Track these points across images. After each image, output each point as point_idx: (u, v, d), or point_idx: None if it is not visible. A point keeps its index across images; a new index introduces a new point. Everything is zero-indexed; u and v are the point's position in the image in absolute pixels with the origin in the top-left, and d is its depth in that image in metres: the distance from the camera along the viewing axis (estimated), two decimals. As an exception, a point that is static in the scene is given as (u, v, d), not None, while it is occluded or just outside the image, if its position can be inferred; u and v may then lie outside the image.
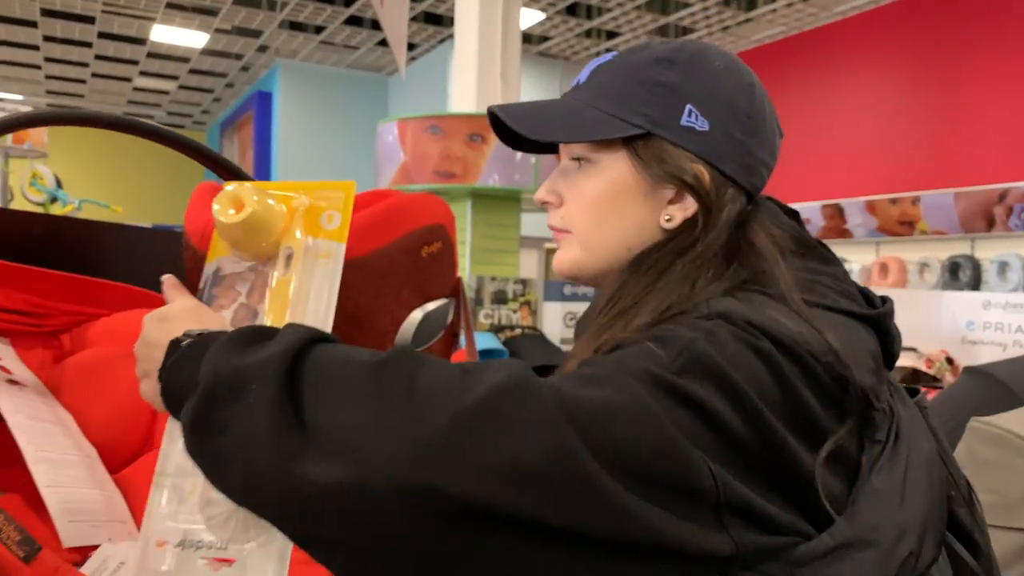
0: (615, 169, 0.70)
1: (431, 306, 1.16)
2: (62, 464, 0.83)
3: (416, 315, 1.13)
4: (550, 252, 8.21)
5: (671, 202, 0.70)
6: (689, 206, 0.70)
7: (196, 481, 0.61)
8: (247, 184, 0.71)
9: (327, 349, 0.55)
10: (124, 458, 0.90)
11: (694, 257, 0.67)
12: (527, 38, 7.38)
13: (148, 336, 0.66)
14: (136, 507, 0.85)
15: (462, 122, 4.08)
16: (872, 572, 0.57)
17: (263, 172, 8.97)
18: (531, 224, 6.21)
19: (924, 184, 5.45)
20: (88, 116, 0.75)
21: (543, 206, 0.77)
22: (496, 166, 4.08)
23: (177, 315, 0.66)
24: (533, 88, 7.64)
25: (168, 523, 0.61)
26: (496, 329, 4.17)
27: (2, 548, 0.54)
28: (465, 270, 4.30)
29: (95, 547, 0.75)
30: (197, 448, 0.55)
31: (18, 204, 4.64)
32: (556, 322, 4.18)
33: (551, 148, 0.79)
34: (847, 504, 0.59)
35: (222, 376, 0.54)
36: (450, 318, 1.21)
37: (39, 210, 4.59)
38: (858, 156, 6.13)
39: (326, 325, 0.67)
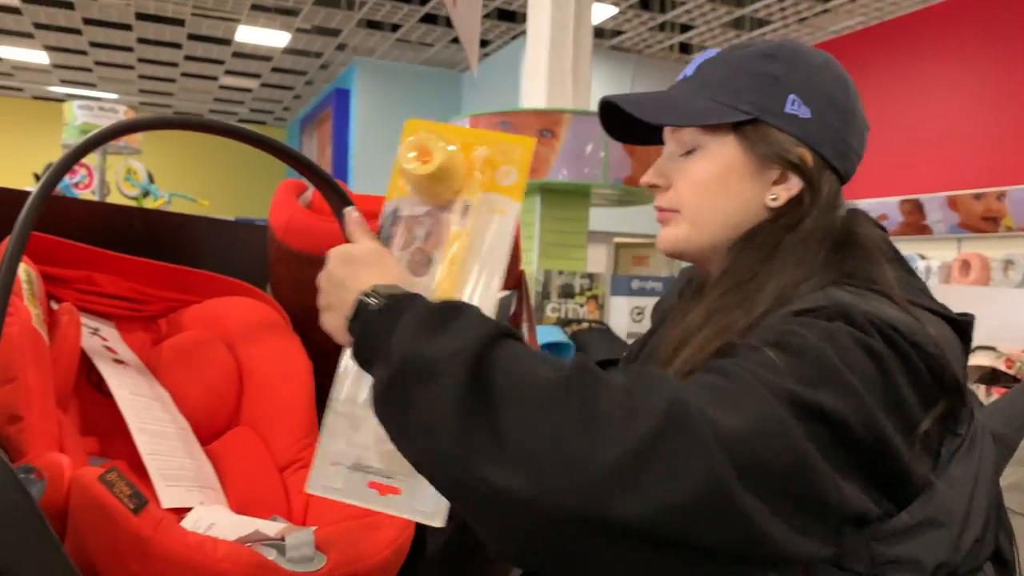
0: (724, 152, 0.76)
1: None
2: (160, 435, 0.92)
3: (481, 306, 1.19)
4: (620, 247, 8.18)
5: (775, 183, 0.76)
6: (793, 186, 0.75)
7: (369, 413, 0.64)
8: (431, 131, 0.71)
9: (511, 350, 0.58)
10: (213, 432, 0.99)
11: (804, 235, 0.73)
12: (600, 32, 7.36)
13: (333, 274, 0.70)
14: (224, 476, 0.93)
15: (532, 117, 4.13)
16: (943, 551, 0.61)
17: (341, 167, 9.21)
18: (600, 219, 6.21)
19: (1010, 179, 5.21)
20: (185, 121, 0.83)
21: (650, 189, 0.82)
22: (565, 161, 4.12)
23: (363, 259, 0.69)
24: (605, 83, 7.62)
25: (343, 446, 0.66)
26: (563, 323, 4.20)
27: (115, 500, 0.62)
28: (533, 264, 4.35)
29: (189, 509, 0.83)
30: (386, 415, 0.60)
31: (114, 197, 4.91)
32: (623, 316, 4.19)
33: (654, 140, 0.84)
34: (924, 487, 0.64)
35: (411, 361, 0.58)
36: (513, 309, 1.26)
37: (133, 203, 4.85)
38: (939, 150, 5.91)
39: (496, 280, 0.69)
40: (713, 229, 0.78)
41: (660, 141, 0.84)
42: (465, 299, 0.67)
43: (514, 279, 1.26)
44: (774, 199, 0.76)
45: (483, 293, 0.67)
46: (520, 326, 1.29)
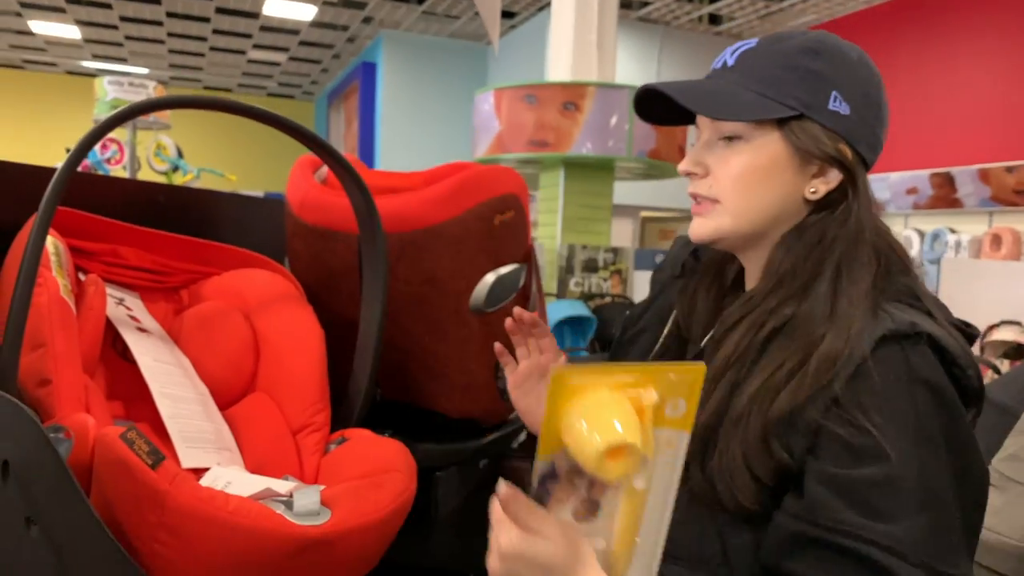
0: (768, 146, 0.78)
1: (504, 270, 1.25)
2: (181, 400, 0.97)
3: (489, 278, 1.23)
4: (646, 220, 8.15)
5: (814, 176, 0.78)
6: (832, 179, 0.78)
7: None
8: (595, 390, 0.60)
9: None
10: (231, 397, 1.04)
11: (854, 233, 0.77)
12: (626, 4, 7.27)
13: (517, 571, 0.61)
14: (241, 439, 0.98)
15: (556, 91, 4.12)
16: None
17: (367, 141, 9.25)
18: (626, 193, 6.19)
19: (1045, 152, 5.11)
20: (194, 100, 0.87)
21: (687, 176, 0.83)
22: (589, 135, 4.11)
23: (560, 567, 0.60)
24: (632, 55, 7.54)
25: None
26: (586, 297, 4.23)
27: (135, 456, 0.67)
28: (557, 238, 4.36)
29: (206, 469, 0.89)
30: None
31: (144, 172, 5.01)
32: (647, 290, 4.20)
33: (683, 122, 0.86)
34: None
35: None
36: (522, 282, 1.30)
37: (162, 178, 4.94)
38: (971, 122, 5.79)
39: (667, 514, 0.64)
40: (753, 220, 0.79)
41: (687, 122, 0.86)
42: (649, 537, 0.63)
43: (523, 254, 1.29)
44: (813, 192, 0.79)
45: (658, 527, 0.64)
46: (529, 299, 1.33)
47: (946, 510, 0.66)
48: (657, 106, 0.84)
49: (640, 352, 0.96)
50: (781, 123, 0.77)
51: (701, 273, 0.93)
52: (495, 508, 0.60)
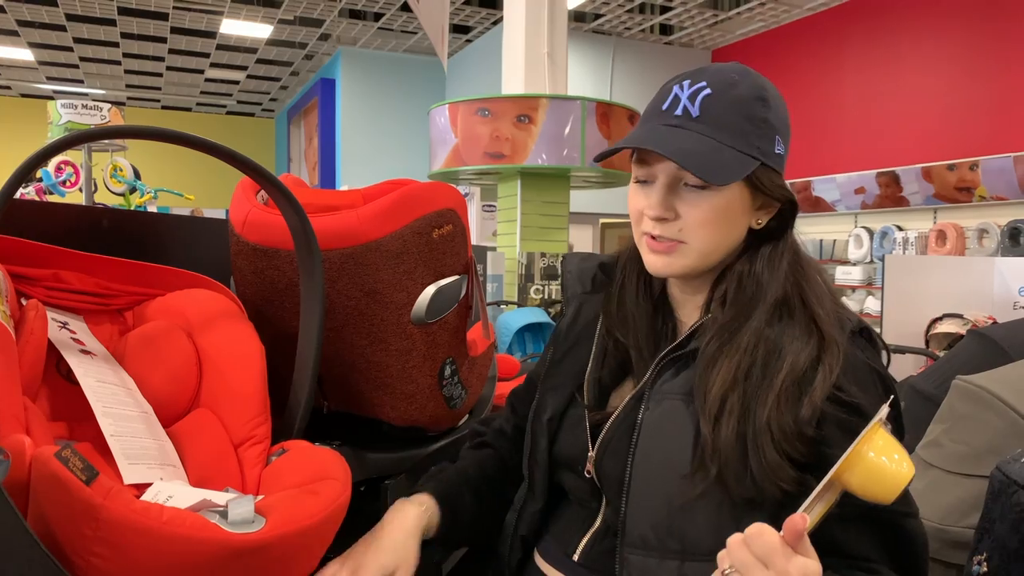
0: (733, 192, 0.86)
1: (444, 282, 1.29)
2: (124, 418, 0.99)
3: (429, 290, 1.26)
4: (605, 227, 8.25)
5: (758, 208, 0.89)
6: (772, 210, 0.90)
7: None
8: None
9: None
10: (175, 414, 1.06)
11: (798, 251, 0.91)
12: (579, 16, 7.39)
13: None
14: (184, 455, 1.01)
15: (510, 104, 4.18)
16: None
17: (329, 156, 9.25)
18: (585, 200, 6.27)
19: (983, 150, 5.28)
20: (133, 130, 0.90)
21: (656, 221, 0.89)
22: (544, 146, 4.18)
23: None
24: (585, 66, 7.65)
25: None
26: (546, 304, 4.29)
27: (69, 473, 0.70)
28: (516, 247, 4.42)
29: (149, 484, 0.91)
30: None
31: (101, 194, 4.96)
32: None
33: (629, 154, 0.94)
34: None
35: None
36: (463, 292, 1.34)
37: (120, 199, 4.91)
38: (914, 123, 5.97)
39: None
40: (715, 256, 0.89)
41: (630, 154, 0.93)
42: None
43: (462, 266, 1.33)
44: (759, 223, 0.90)
45: None
46: (471, 308, 1.37)
47: None
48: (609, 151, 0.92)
49: (576, 366, 1.00)
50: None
51: (624, 284, 0.99)
52: (770, 538, 0.66)
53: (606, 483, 0.90)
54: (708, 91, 0.86)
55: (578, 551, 0.93)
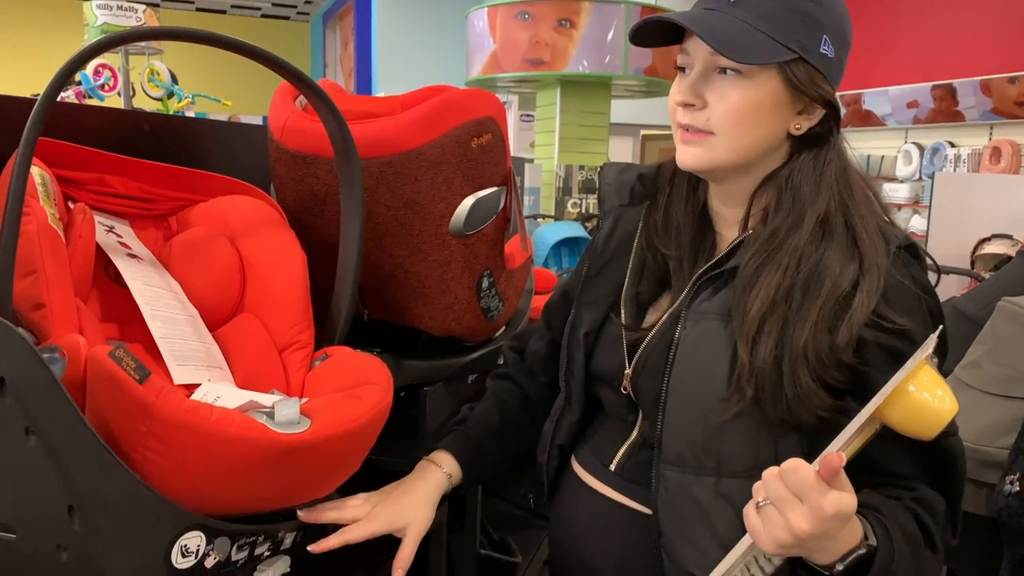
0: (767, 84, 0.82)
1: (482, 193, 1.28)
2: (171, 321, 1.02)
3: (468, 201, 1.26)
4: (646, 139, 8.07)
5: (799, 113, 0.85)
6: (815, 116, 0.85)
7: None
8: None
9: None
10: (220, 319, 1.09)
11: (845, 163, 0.87)
12: (626, -88, 7.03)
13: (829, 529, 0.69)
14: (230, 357, 1.04)
15: (551, 7, 4.05)
16: None
17: (365, 62, 9.10)
18: (625, 110, 6.12)
19: (1048, 62, 5.02)
20: (171, 31, 0.89)
21: (683, 107, 0.87)
22: (585, 52, 4.06)
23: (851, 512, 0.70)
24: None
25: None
26: (584, 218, 4.25)
27: (123, 372, 0.72)
28: (554, 159, 4.36)
29: (198, 385, 0.94)
30: None
31: (139, 98, 4.96)
32: (642, 210, 4.22)
33: (669, 43, 0.90)
34: None
35: None
36: (501, 204, 1.33)
37: (158, 104, 4.91)
38: (973, 34, 5.66)
39: None
40: (745, 152, 0.85)
41: (673, 43, 0.89)
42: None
43: (501, 177, 1.32)
44: (798, 128, 0.85)
45: None
46: (509, 221, 1.36)
47: None
48: (648, 31, 0.87)
49: (613, 280, 1.00)
50: (782, 64, 0.82)
51: (671, 192, 0.97)
52: (806, 473, 0.66)
53: (643, 400, 0.91)
54: None
55: (615, 462, 0.95)
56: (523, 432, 1.12)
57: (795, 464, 0.67)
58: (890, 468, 0.81)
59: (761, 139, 0.85)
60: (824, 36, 0.82)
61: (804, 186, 0.85)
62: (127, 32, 0.85)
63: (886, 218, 0.87)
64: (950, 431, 0.82)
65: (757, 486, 0.70)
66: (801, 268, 0.82)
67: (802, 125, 0.86)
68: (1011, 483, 1.18)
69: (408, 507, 0.97)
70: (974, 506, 1.28)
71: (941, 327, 0.76)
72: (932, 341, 0.71)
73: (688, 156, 0.86)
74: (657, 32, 0.87)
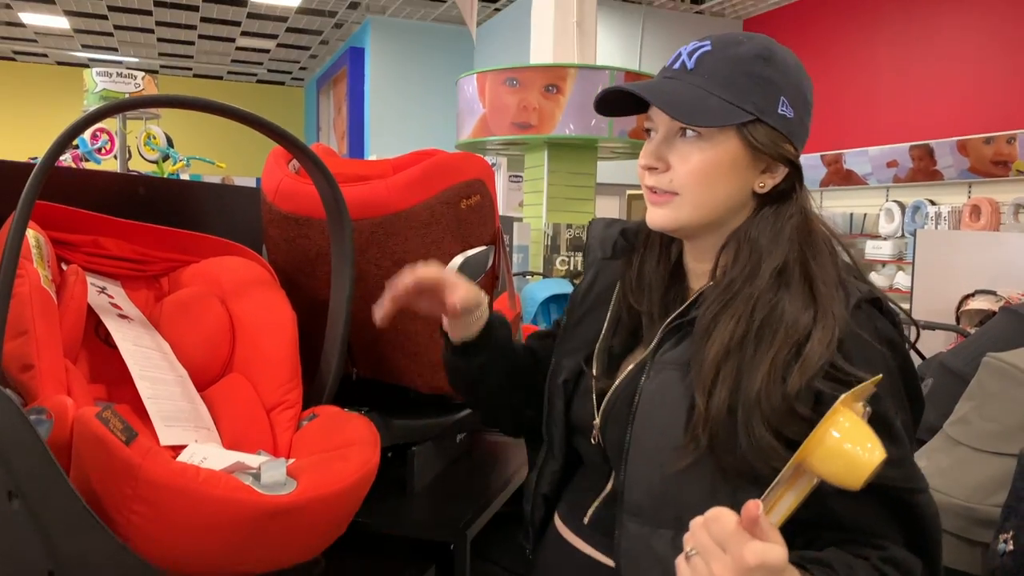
0: (727, 145, 0.85)
1: (471, 252, 1.30)
2: (160, 381, 1.02)
3: (457, 260, 1.27)
4: (632, 198, 8.19)
5: (763, 172, 0.88)
6: (778, 175, 0.88)
7: None
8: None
9: None
10: (209, 378, 1.09)
11: (806, 218, 0.88)
12: (611, -17, 7.28)
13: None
14: (218, 418, 1.04)
15: (538, 74, 4.15)
16: None
17: (358, 125, 9.26)
18: (612, 171, 6.22)
19: (1020, 123, 5.15)
20: (172, 99, 0.91)
21: (647, 170, 0.89)
22: (571, 116, 4.15)
23: (781, 566, 0.66)
24: (614, 35, 7.55)
25: None
26: (572, 275, 4.28)
27: (110, 434, 0.72)
28: (542, 218, 4.41)
29: (185, 446, 0.94)
30: None
31: (135, 161, 5.02)
32: (631, 269, 4.25)
33: (633, 112, 0.93)
34: None
35: None
36: (490, 263, 1.34)
37: (153, 167, 4.97)
38: (949, 94, 5.82)
39: None
40: (709, 211, 0.87)
41: (638, 112, 0.92)
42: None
43: (490, 236, 1.34)
44: (762, 186, 0.88)
45: None
46: (498, 279, 1.38)
47: (910, 446, 0.82)
48: (614, 100, 0.90)
49: (590, 331, 1.01)
50: (740, 126, 0.85)
51: (644, 250, 0.99)
52: (727, 522, 0.64)
53: (611, 450, 0.91)
54: (707, 47, 0.87)
55: (588, 515, 0.94)
56: (527, 377, 1.09)
57: (717, 513, 0.65)
58: (858, 524, 0.79)
59: (724, 197, 0.87)
60: (781, 97, 0.85)
61: (762, 239, 0.87)
62: (130, 100, 0.88)
63: (854, 274, 0.87)
64: (918, 487, 0.81)
65: (687, 536, 0.69)
66: (755, 316, 0.82)
67: (766, 183, 0.88)
68: (1005, 542, 1.17)
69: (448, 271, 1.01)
70: (968, 565, 1.27)
71: (880, 376, 0.73)
72: (866, 388, 0.69)
73: (656, 216, 0.90)
74: (620, 102, 0.90)
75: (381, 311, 0.97)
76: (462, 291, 0.98)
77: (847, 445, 0.64)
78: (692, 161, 0.85)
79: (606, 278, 1.02)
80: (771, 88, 0.85)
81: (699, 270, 0.94)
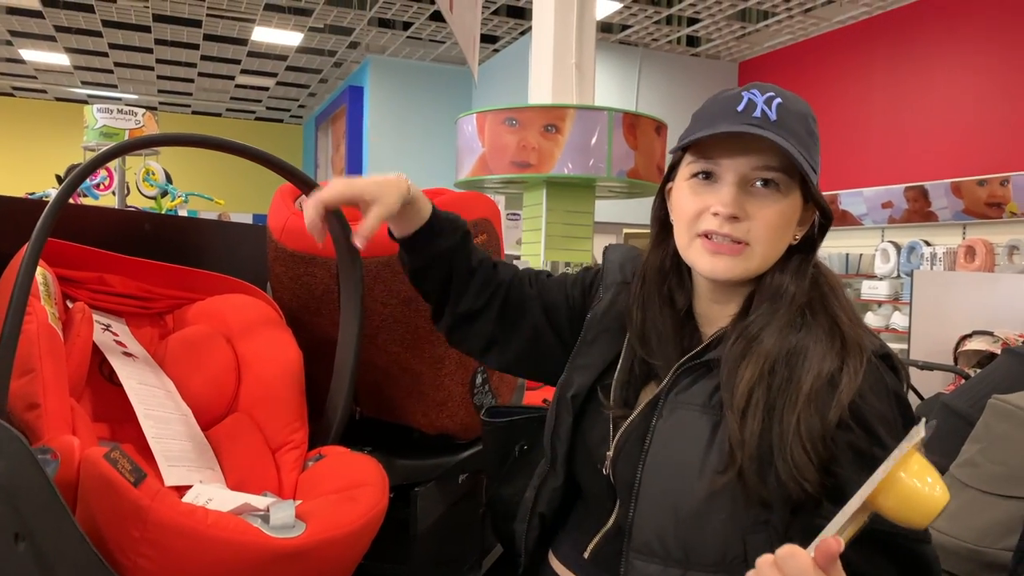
0: (794, 199, 0.88)
1: (477, 291, 1.30)
2: (165, 421, 1.01)
3: (463, 299, 1.27)
4: (629, 236, 8.22)
5: (799, 223, 0.90)
6: (806, 225, 0.91)
7: None
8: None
9: None
10: (214, 418, 1.08)
11: (826, 268, 0.92)
12: (607, 27, 7.39)
13: None
14: (222, 458, 1.02)
15: (537, 113, 4.19)
16: None
17: (356, 163, 9.32)
18: (609, 210, 6.27)
19: (1014, 165, 5.21)
20: (183, 138, 0.92)
21: (727, 219, 0.88)
22: (570, 155, 4.18)
23: None
24: (612, 76, 7.65)
25: None
26: (571, 314, 4.29)
27: (118, 475, 0.71)
28: (540, 256, 4.42)
29: (189, 486, 0.93)
30: None
31: (134, 197, 5.04)
32: (629, 307, 4.25)
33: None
34: None
35: None
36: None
37: (151, 203, 4.98)
38: (943, 137, 5.90)
39: None
40: (770, 262, 0.89)
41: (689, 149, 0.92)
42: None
43: (495, 274, 1.34)
44: (796, 238, 0.90)
45: None
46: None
47: None
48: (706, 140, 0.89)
49: (605, 351, 1.00)
50: (804, 181, 0.87)
51: (643, 302, 0.98)
52: (802, 559, 0.64)
53: (619, 485, 0.91)
54: (780, 100, 0.88)
55: (589, 549, 0.93)
56: (485, 271, 1.04)
57: (791, 550, 0.66)
58: (863, 573, 0.80)
59: (783, 249, 0.89)
60: (817, 156, 0.89)
61: (791, 285, 0.89)
62: (145, 138, 0.88)
63: (861, 321, 0.91)
64: (924, 538, 0.82)
65: (751, 574, 0.69)
66: (783, 347, 0.85)
67: (798, 234, 0.91)
68: (1014, 586, 1.16)
69: (377, 182, 0.95)
70: (977, 610, 1.25)
71: (934, 421, 0.77)
72: (920, 431, 0.71)
73: (722, 266, 0.87)
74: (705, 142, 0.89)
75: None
76: (383, 199, 0.94)
77: (918, 485, 0.67)
78: (769, 212, 0.86)
79: (624, 301, 1.01)
80: (816, 146, 0.89)
81: (714, 314, 0.94)
